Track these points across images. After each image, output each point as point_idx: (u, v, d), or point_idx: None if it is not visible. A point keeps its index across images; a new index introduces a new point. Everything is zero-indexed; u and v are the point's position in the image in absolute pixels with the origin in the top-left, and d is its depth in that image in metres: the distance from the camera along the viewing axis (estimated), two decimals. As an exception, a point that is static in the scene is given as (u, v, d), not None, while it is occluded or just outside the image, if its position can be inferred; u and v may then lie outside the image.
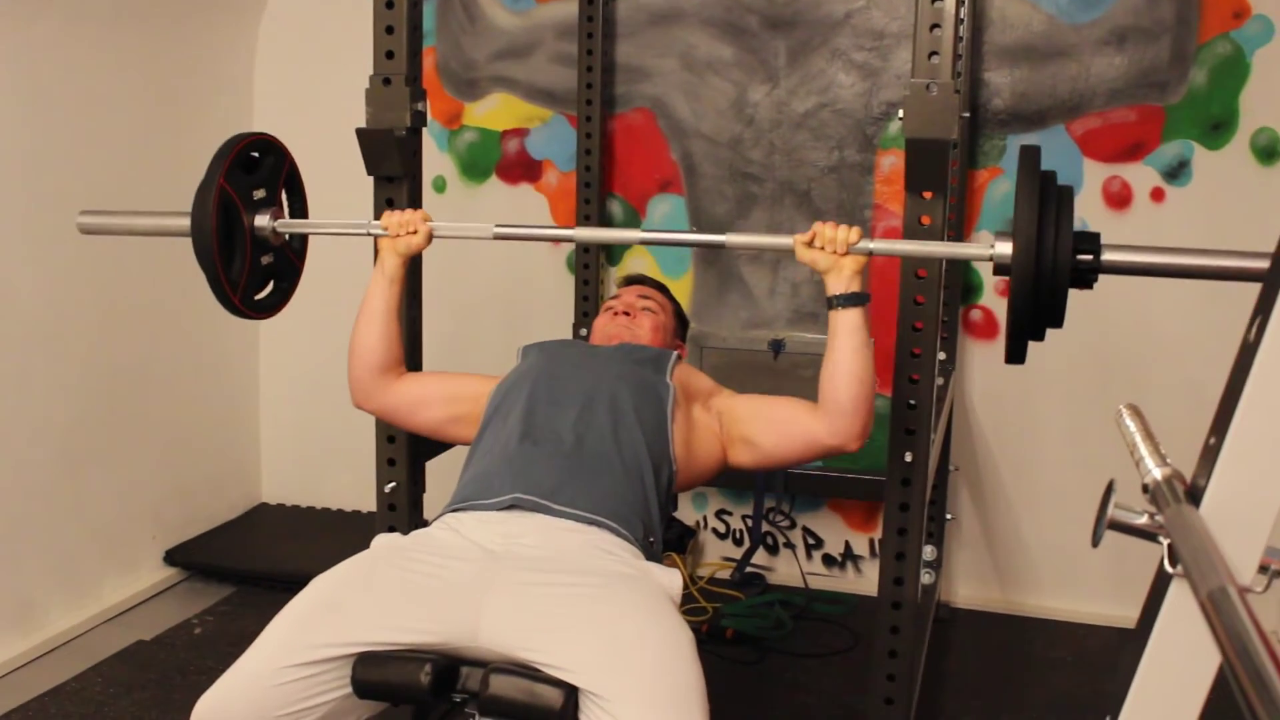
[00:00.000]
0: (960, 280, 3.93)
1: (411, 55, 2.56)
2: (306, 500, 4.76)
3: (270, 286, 2.59)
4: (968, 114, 3.81)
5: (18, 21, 3.45)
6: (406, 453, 2.69)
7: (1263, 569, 1.13)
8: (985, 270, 3.96)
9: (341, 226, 2.54)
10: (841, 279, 2.22)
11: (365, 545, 2.19)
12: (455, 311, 4.05)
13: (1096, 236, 2.05)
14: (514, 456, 2.25)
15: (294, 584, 2.15)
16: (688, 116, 4.17)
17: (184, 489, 4.32)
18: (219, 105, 4.37)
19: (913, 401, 2.42)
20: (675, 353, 2.54)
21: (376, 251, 2.48)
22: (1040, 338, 2.08)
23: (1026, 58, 3.86)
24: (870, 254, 2.23)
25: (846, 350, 2.22)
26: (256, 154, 2.53)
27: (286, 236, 2.57)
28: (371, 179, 2.64)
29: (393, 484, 2.69)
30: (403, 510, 2.69)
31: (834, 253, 2.21)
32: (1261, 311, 1.12)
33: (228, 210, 2.41)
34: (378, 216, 2.54)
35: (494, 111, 4.37)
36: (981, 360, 4.03)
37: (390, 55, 2.56)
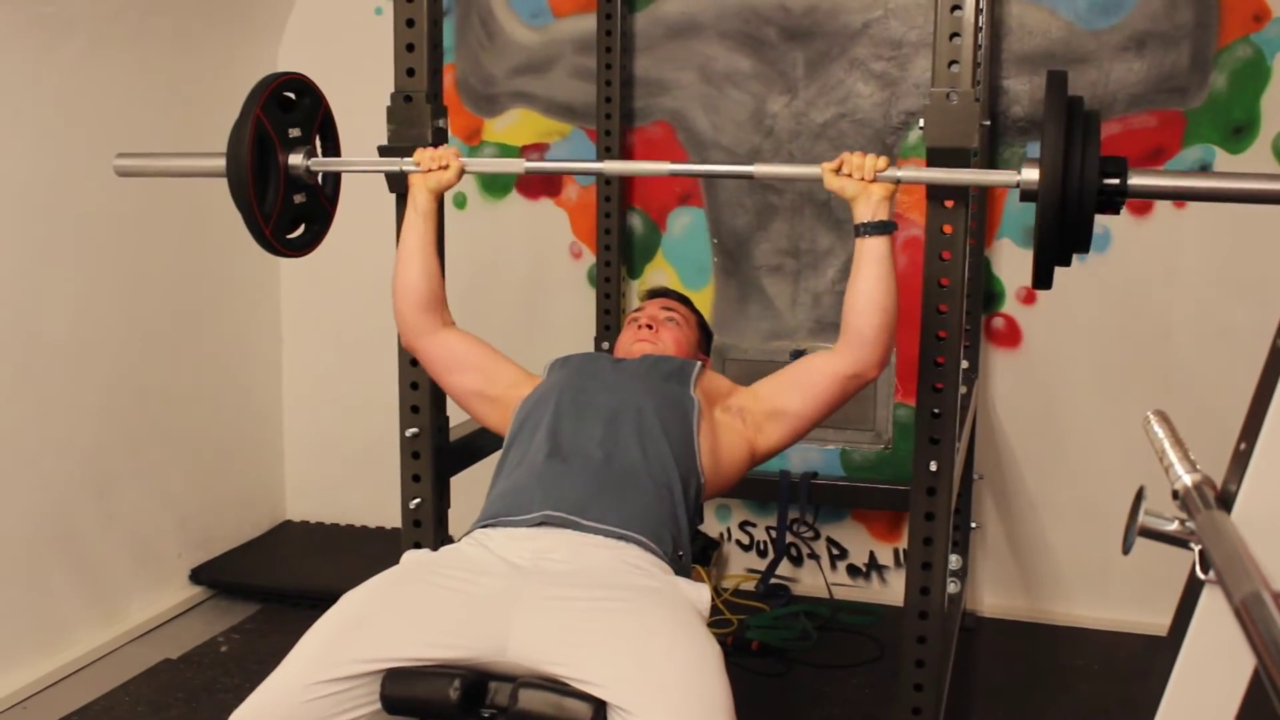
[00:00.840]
0: (982, 288, 3.92)
1: (432, 73, 2.58)
2: (331, 517, 4.77)
3: (302, 228, 2.64)
4: (988, 122, 3.80)
5: (43, 44, 3.48)
6: (431, 468, 2.69)
7: (1295, 574, 1.12)
8: (1007, 278, 3.95)
9: (374, 164, 2.57)
10: (870, 205, 2.25)
11: (391, 561, 2.19)
12: (477, 326, 4.03)
13: (1123, 161, 2.06)
14: (542, 473, 2.25)
15: (320, 601, 2.16)
16: (707, 129, 4.18)
17: (209, 506, 4.33)
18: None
19: (937, 410, 2.42)
20: (699, 363, 2.55)
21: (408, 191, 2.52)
22: (1067, 262, 2.09)
23: (1046, 64, 3.85)
24: (898, 181, 2.26)
25: (871, 278, 2.25)
26: (292, 95, 2.57)
27: (319, 177, 2.60)
28: (393, 197, 2.65)
29: (417, 500, 2.70)
30: (428, 526, 2.70)
31: (862, 179, 2.24)
32: (1290, 315, 1.12)
33: (263, 144, 2.45)
34: (400, 232, 2.56)
35: (514, 127, 4.38)
36: (1005, 368, 4.02)
37: (411, 73, 2.58)
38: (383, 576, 2.11)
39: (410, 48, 2.57)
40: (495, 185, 4.40)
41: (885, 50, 3.97)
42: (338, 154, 2.68)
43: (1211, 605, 1.13)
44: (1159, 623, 1.29)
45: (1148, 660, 3.71)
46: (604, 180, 4.14)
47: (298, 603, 4.03)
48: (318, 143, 2.62)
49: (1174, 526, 1.16)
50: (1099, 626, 4.00)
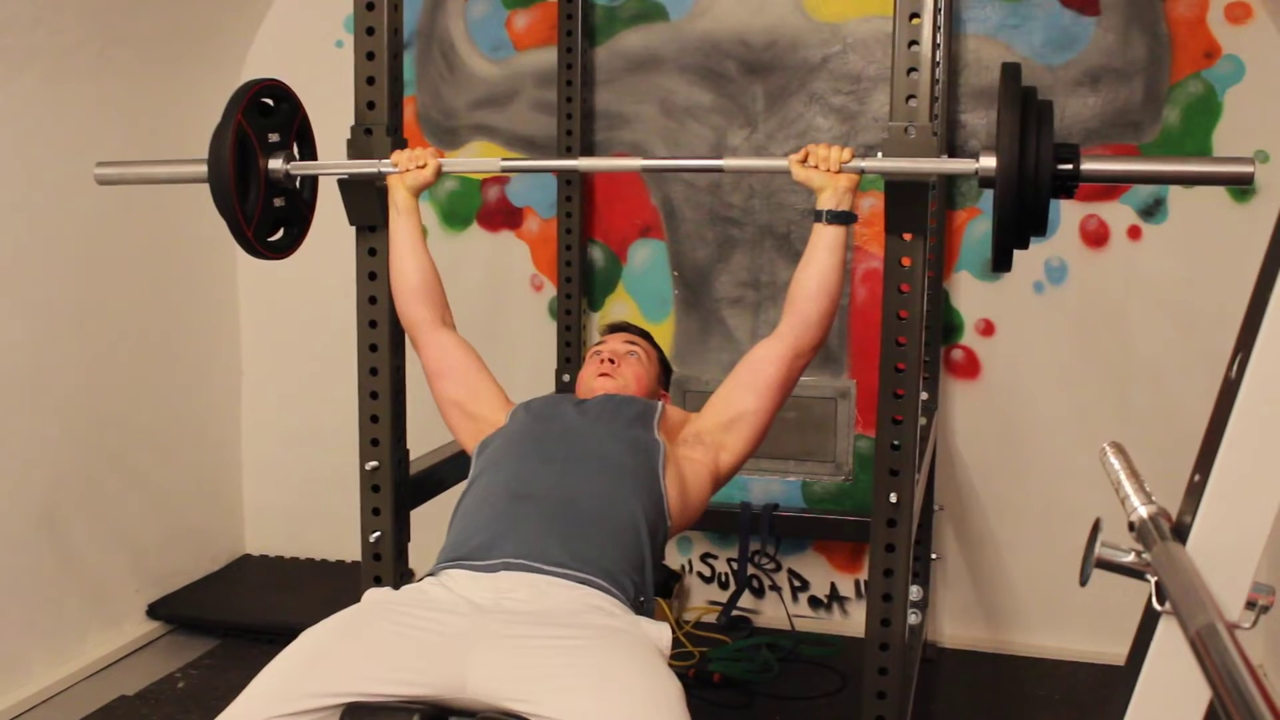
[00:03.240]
0: (941, 321, 3.95)
1: (392, 105, 2.59)
2: (291, 551, 4.73)
3: (281, 231, 2.68)
4: (945, 156, 3.83)
5: (1, 76, 3.46)
6: (391, 502, 2.68)
7: (1250, 604, 1.13)
8: (966, 310, 3.98)
9: (353, 167, 2.59)
10: (834, 195, 2.35)
11: (351, 595, 2.18)
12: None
13: (1076, 147, 2.15)
14: (502, 516, 2.24)
15: (279, 636, 2.14)
16: (667, 162, 4.19)
17: (167, 540, 4.29)
18: (200, 156, 4.37)
19: (896, 442, 2.43)
20: (660, 404, 2.55)
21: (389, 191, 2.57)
22: (1025, 245, 2.17)
23: (1002, 99, 3.89)
24: (862, 172, 2.33)
25: (825, 265, 2.36)
26: (271, 101, 2.61)
27: (298, 181, 2.63)
28: (354, 230, 2.65)
29: (377, 533, 2.69)
30: (388, 560, 2.68)
31: (828, 170, 2.33)
32: (1242, 349, 1.13)
33: (243, 148, 2.49)
34: (361, 268, 2.57)
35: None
36: (964, 399, 4.04)
37: (371, 106, 2.58)
38: (343, 614, 2.10)
39: (371, 81, 2.57)
40: (456, 218, 4.40)
41: (844, 84, 4.00)
42: (315, 159, 2.71)
43: (1167, 636, 1.14)
44: (1118, 652, 1.29)
45: (1107, 690, 3.73)
46: (565, 213, 4.14)
47: (257, 638, 3.99)
48: (295, 148, 2.66)
49: (1130, 558, 1.17)
50: (1058, 656, 4.02)
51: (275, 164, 2.56)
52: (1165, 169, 2.19)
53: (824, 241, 2.36)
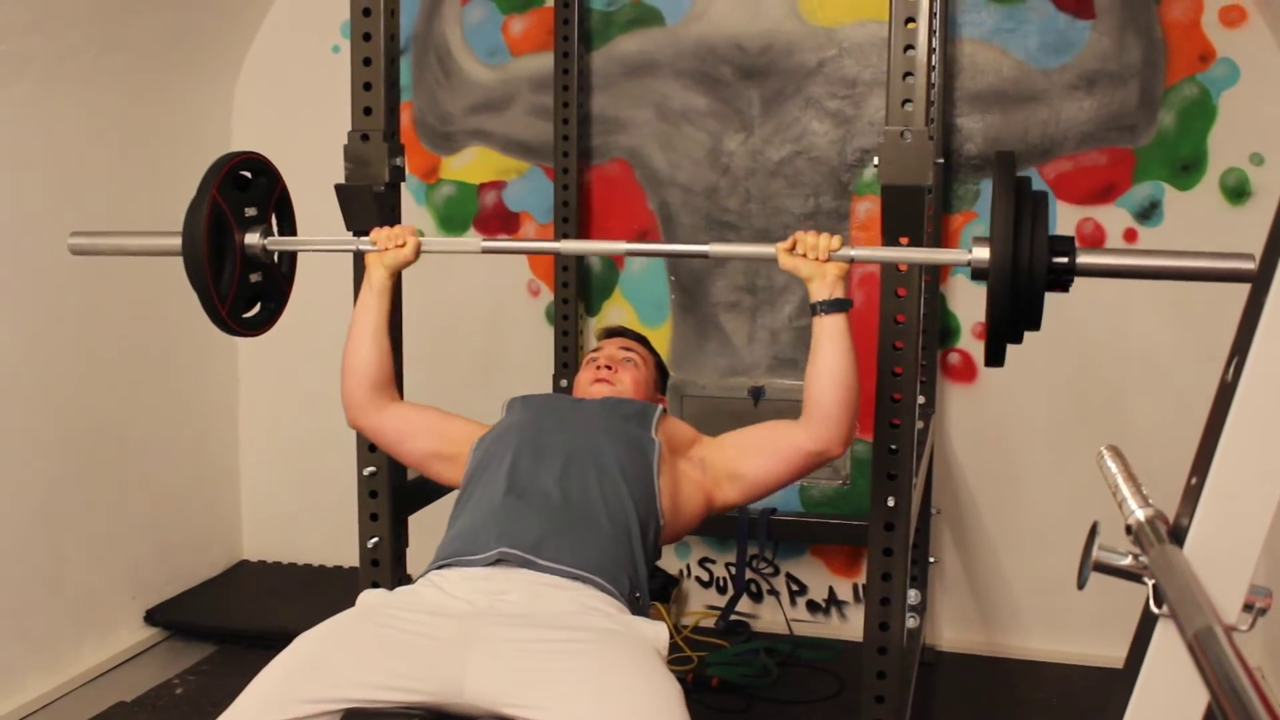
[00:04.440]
0: (938, 324, 3.95)
1: (389, 111, 2.59)
2: (288, 556, 4.73)
3: (258, 306, 2.61)
4: (941, 159, 3.84)
5: (-6, 83, 3.46)
6: (389, 507, 2.68)
7: (1247, 607, 1.13)
8: (962, 313, 3.98)
9: (331, 243, 2.55)
10: (825, 285, 2.26)
11: (348, 601, 2.18)
12: (434, 365, 4.04)
13: (1071, 240, 2.08)
14: (499, 511, 2.25)
15: (276, 641, 2.13)
16: (664, 166, 4.20)
17: (164, 547, 4.28)
18: (197, 162, 4.35)
19: (894, 446, 2.43)
20: (660, 406, 2.55)
21: (365, 267, 2.50)
22: (1019, 340, 2.10)
23: (998, 103, 3.91)
24: (851, 260, 2.27)
25: (831, 356, 2.26)
26: (248, 173, 2.55)
27: (275, 256, 2.57)
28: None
29: (375, 539, 2.69)
30: (385, 565, 2.68)
31: (816, 259, 2.25)
32: (1238, 351, 1.13)
33: (219, 224, 2.42)
34: (358, 273, 2.55)
35: (471, 165, 4.39)
36: (961, 403, 4.04)
37: (368, 111, 2.58)
38: (338, 618, 2.09)
39: (367, 86, 2.57)
40: (453, 223, 4.40)
41: (840, 89, 4.01)
42: (294, 232, 2.65)
43: (1165, 639, 1.14)
44: (1115, 655, 1.29)
45: (1104, 693, 3.73)
46: (562, 218, 4.14)
47: (254, 643, 3.98)
48: (274, 220, 2.59)
49: (1128, 561, 1.17)
50: (1056, 660, 4.01)
51: (252, 239, 2.49)
52: (1166, 264, 2.12)
53: (825, 333, 2.27)
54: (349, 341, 2.49)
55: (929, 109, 2.34)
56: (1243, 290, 1.17)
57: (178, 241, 2.39)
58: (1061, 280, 2.07)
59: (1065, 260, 2.06)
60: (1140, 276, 2.14)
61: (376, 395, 2.49)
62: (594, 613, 2.07)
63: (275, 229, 2.60)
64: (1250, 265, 1.99)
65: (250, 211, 2.51)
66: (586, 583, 2.12)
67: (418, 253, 2.48)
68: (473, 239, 2.48)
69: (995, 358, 2.12)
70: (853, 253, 2.26)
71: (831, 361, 2.26)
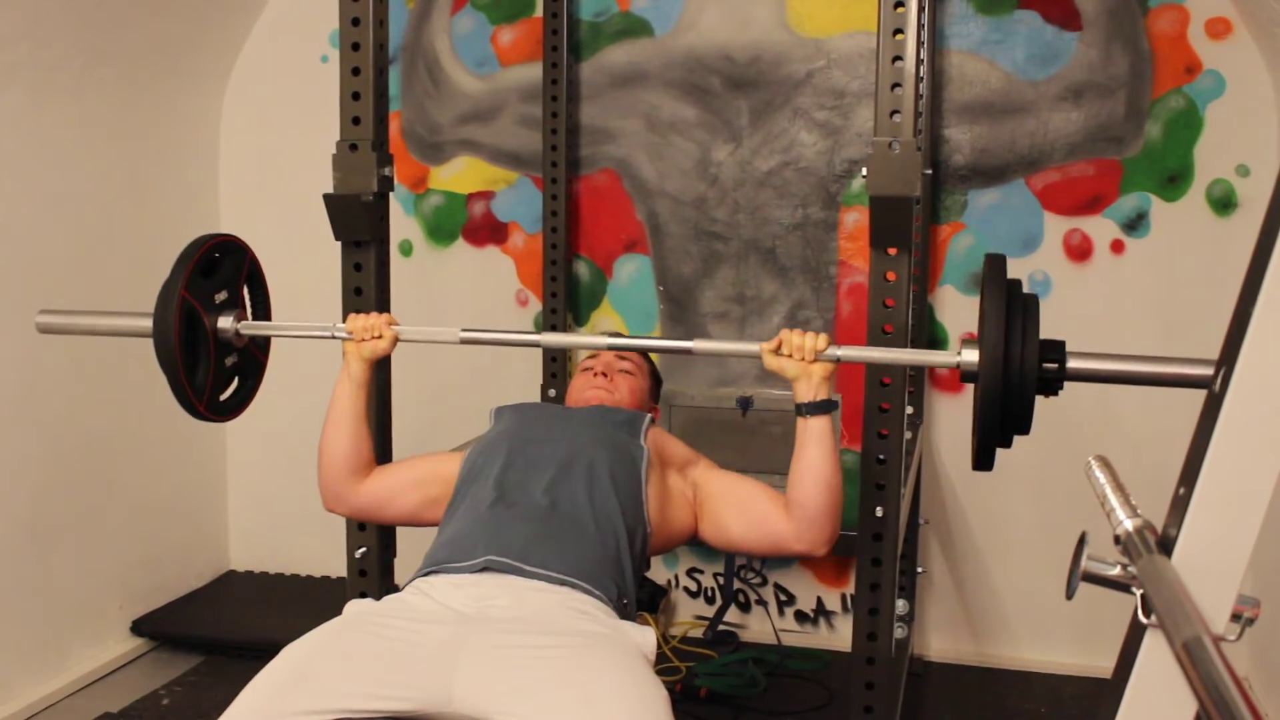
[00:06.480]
0: (925, 334, 3.96)
1: (378, 121, 2.58)
2: (276, 566, 4.72)
3: (235, 385, 2.57)
4: (929, 170, 3.85)
5: (-18, 92, 3.46)
6: (377, 517, 2.67)
7: (1235, 617, 1.14)
8: (950, 324, 3.99)
9: (305, 329, 2.51)
10: (810, 386, 2.23)
11: (336, 611, 2.17)
12: (421, 372, 4.04)
13: (1061, 345, 2.05)
14: (486, 519, 2.25)
15: (264, 652, 2.13)
16: (652, 177, 4.20)
17: (151, 557, 4.27)
18: (186, 172, 4.37)
19: (882, 456, 2.43)
20: (649, 415, 2.55)
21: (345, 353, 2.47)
22: (1008, 445, 2.07)
23: (986, 114, 3.92)
24: (838, 360, 2.24)
25: (814, 457, 2.24)
26: (218, 255, 2.50)
27: (249, 337, 2.55)
28: (339, 244, 2.64)
29: (363, 549, 2.68)
30: (374, 575, 2.67)
31: (802, 360, 2.23)
32: (1226, 362, 1.14)
33: (190, 319, 2.38)
34: (347, 284, 2.55)
35: (459, 175, 4.39)
36: (948, 413, 4.05)
37: (356, 121, 2.57)
38: (325, 628, 2.09)
39: (356, 96, 2.57)
40: (441, 233, 4.40)
41: (828, 100, 4.02)
42: (267, 306, 2.62)
43: (1154, 649, 1.14)
44: (1105, 665, 1.30)
45: (1093, 703, 3.73)
46: (550, 228, 4.15)
47: (241, 654, 3.98)
48: (246, 297, 2.56)
49: (1116, 571, 1.17)
50: (1045, 670, 4.02)
51: (225, 323, 2.46)
52: (1156, 370, 2.10)
53: (810, 435, 2.24)
54: (326, 429, 2.46)
55: (917, 120, 2.35)
56: (1229, 304, 1.17)
57: (149, 324, 2.37)
58: (1051, 386, 2.06)
59: (1055, 366, 2.04)
60: (1131, 383, 2.12)
61: (352, 480, 2.47)
62: (582, 616, 2.08)
63: (248, 306, 2.57)
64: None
65: (220, 296, 2.47)
66: (574, 588, 2.13)
67: (394, 343, 2.44)
68: (452, 329, 2.44)
69: (984, 462, 2.09)
70: (839, 353, 2.24)
71: (816, 464, 2.24)
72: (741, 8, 4.07)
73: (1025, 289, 2.07)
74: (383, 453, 2.67)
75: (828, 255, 4.07)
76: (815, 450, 2.24)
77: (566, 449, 2.37)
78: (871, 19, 2.36)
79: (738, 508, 2.39)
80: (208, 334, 2.44)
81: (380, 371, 2.65)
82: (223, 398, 2.54)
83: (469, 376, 4.34)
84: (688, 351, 2.36)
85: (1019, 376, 2.00)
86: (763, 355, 2.26)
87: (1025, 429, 2.05)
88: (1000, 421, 2.03)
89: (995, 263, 2.06)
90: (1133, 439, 3.80)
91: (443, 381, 4.31)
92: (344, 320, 2.48)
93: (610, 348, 2.52)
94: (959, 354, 2.12)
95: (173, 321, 2.34)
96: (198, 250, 2.42)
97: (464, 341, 2.44)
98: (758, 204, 4.10)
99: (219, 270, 2.49)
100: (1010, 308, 2.01)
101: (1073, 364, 2.06)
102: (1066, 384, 3.73)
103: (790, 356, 2.24)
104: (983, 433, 2.04)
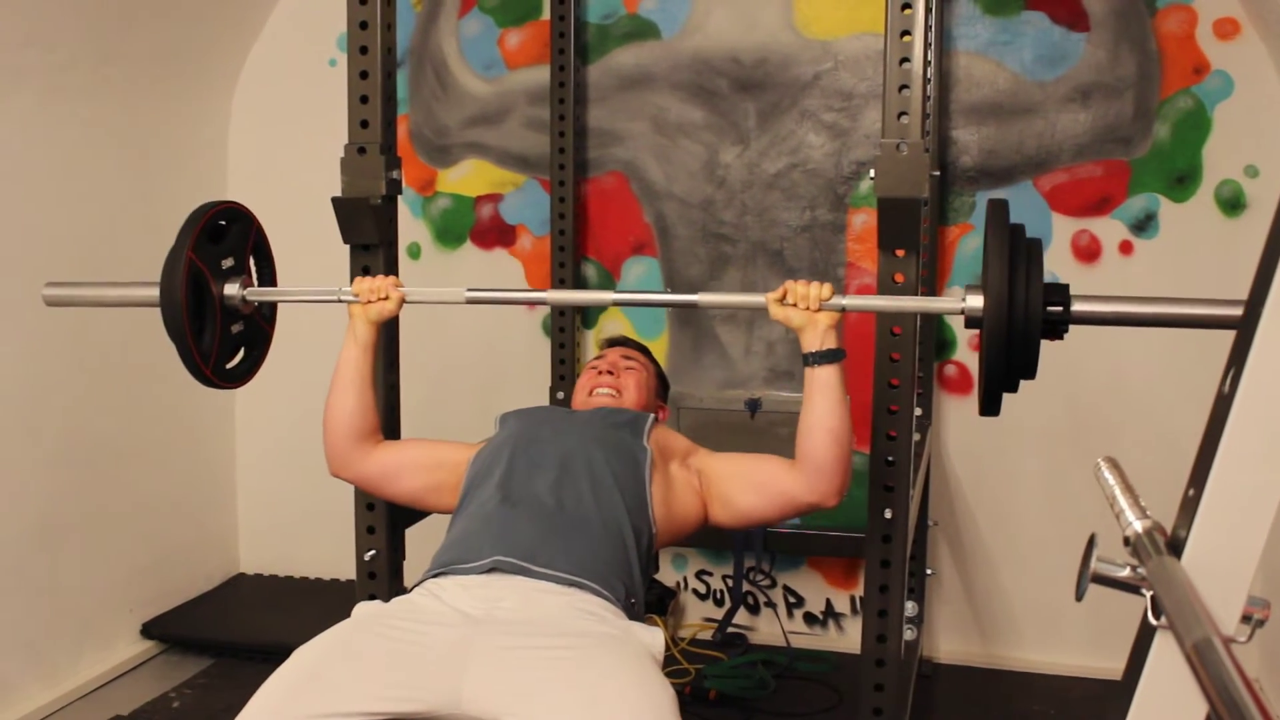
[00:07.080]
0: (934, 336, 3.96)
1: (386, 124, 2.59)
2: (285, 569, 4.73)
3: (241, 354, 2.57)
4: (937, 172, 3.85)
5: (-9, 96, 3.47)
6: (386, 520, 2.67)
7: (1245, 618, 1.13)
8: (958, 325, 3.99)
9: (312, 294, 2.52)
10: (816, 335, 2.22)
11: (345, 613, 2.17)
12: (430, 377, 4.04)
13: (1066, 288, 2.05)
14: (493, 519, 2.25)
15: (274, 655, 2.13)
16: (660, 179, 4.20)
17: (161, 560, 4.28)
18: (193, 174, 4.38)
19: (891, 458, 2.43)
20: (652, 415, 2.55)
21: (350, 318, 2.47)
22: (1014, 389, 2.08)
23: (993, 115, 3.92)
24: (843, 310, 2.24)
25: (822, 408, 2.23)
26: (224, 222, 2.51)
27: (256, 304, 2.55)
28: (347, 246, 2.64)
29: (372, 552, 2.68)
30: (383, 578, 2.68)
31: (807, 309, 2.22)
32: (1235, 363, 1.13)
33: (196, 282, 2.38)
34: (353, 272, 2.55)
35: (467, 177, 4.40)
36: (957, 415, 4.05)
37: (365, 124, 2.58)
38: (334, 630, 2.09)
39: (364, 99, 2.57)
40: (449, 235, 4.41)
41: (836, 101, 4.02)
42: (273, 273, 2.62)
43: (1164, 651, 1.14)
44: (1114, 667, 1.29)
45: (1102, 705, 3.72)
46: (558, 230, 4.15)
47: (251, 657, 3.98)
48: (252, 266, 2.56)
49: (1126, 573, 1.17)
50: (1054, 671, 4.01)
51: (231, 290, 2.46)
52: (1162, 311, 2.10)
53: (817, 384, 2.23)
54: (332, 393, 2.46)
55: (925, 121, 2.35)
56: (1238, 294, 1.17)
57: (155, 293, 2.36)
58: (1057, 330, 2.05)
59: (1059, 309, 2.03)
60: (1137, 324, 2.11)
61: (359, 445, 2.46)
62: (590, 617, 2.08)
63: (254, 275, 2.57)
64: (1238, 311, 1.97)
65: (227, 262, 2.47)
66: (581, 588, 2.12)
67: (400, 304, 2.44)
68: (457, 289, 2.44)
69: (991, 407, 2.08)
70: (844, 301, 2.23)
71: (824, 415, 2.23)
72: (749, 10, 4.07)
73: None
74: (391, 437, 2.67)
75: (836, 257, 4.07)
76: (822, 400, 2.23)
77: (570, 450, 2.37)
78: (878, 20, 2.36)
79: (743, 479, 2.39)
80: (214, 299, 2.43)
81: (389, 374, 2.66)
82: (229, 366, 2.54)
83: (478, 380, 4.34)
84: (693, 305, 2.40)
85: (1024, 320, 2.00)
86: (768, 305, 2.26)
87: (1031, 373, 2.06)
88: (1006, 366, 2.03)
89: (998, 208, 2.06)
90: (1142, 440, 3.79)
91: (451, 384, 4.31)
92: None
93: (616, 303, 2.55)
94: (964, 299, 2.11)
95: (179, 283, 2.34)
96: (204, 215, 2.42)
97: (469, 301, 2.45)
98: (765, 206, 4.10)
99: (226, 237, 2.49)
100: (1014, 252, 2.01)
101: (1077, 307, 2.05)
102: (1078, 385, 3.74)
103: (795, 305, 2.23)
104: (989, 378, 2.04)
